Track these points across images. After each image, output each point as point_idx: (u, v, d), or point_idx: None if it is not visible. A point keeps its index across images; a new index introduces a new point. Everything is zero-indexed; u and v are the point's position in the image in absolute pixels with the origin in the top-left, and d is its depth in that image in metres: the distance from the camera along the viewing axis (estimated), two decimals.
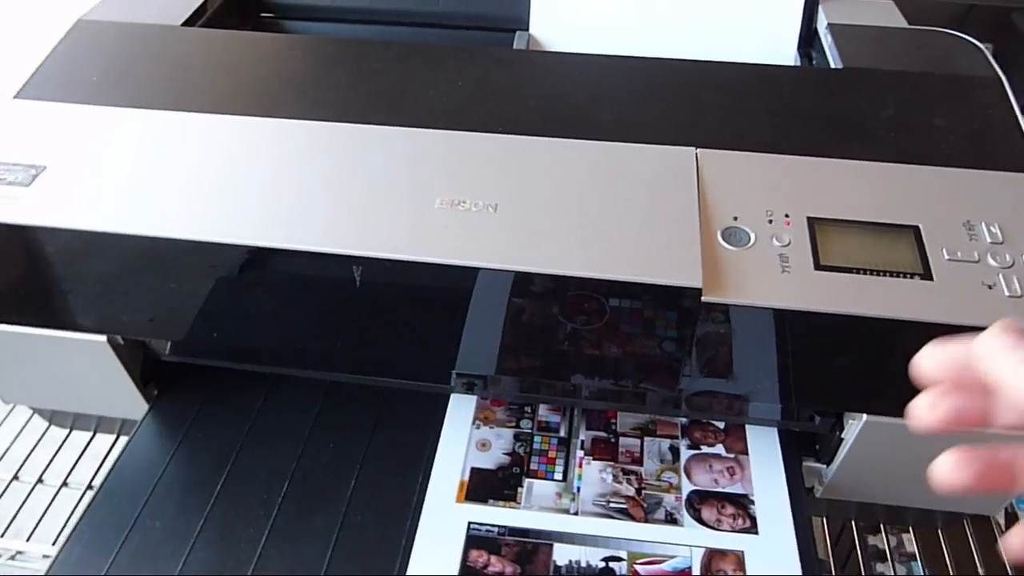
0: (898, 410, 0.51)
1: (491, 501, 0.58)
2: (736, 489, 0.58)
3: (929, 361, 0.32)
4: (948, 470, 0.29)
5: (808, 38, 0.76)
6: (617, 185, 0.53)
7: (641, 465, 0.60)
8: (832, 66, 0.69)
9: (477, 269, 0.48)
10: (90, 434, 0.74)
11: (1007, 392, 0.29)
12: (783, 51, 0.76)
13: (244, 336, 0.60)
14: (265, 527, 0.56)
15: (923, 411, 0.31)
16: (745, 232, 0.50)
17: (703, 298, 0.47)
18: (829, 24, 0.72)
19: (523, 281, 0.49)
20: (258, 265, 0.53)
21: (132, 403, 0.65)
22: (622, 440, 0.62)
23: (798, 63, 0.75)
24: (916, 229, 0.51)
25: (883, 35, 0.71)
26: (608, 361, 0.53)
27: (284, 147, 0.57)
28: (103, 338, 0.59)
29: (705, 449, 0.61)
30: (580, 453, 0.61)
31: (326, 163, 0.55)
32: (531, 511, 0.57)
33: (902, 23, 0.73)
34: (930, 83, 0.63)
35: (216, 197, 0.53)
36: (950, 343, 0.31)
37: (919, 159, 0.56)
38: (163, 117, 0.59)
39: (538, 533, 0.56)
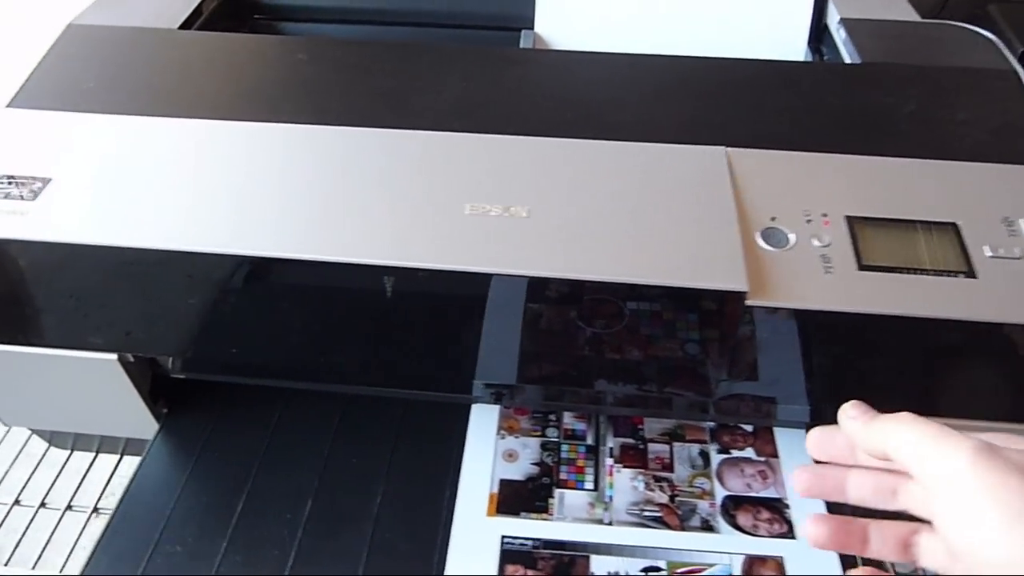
0: (937, 410, 0.52)
1: (523, 513, 0.56)
2: (770, 493, 0.57)
3: (812, 444, 0.40)
4: (810, 527, 0.38)
5: (818, 33, 0.75)
6: (650, 187, 0.52)
7: (672, 471, 0.59)
8: (847, 61, 0.68)
9: (517, 278, 0.47)
10: (92, 455, 0.72)
11: (862, 448, 0.37)
12: (793, 46, 0.75)
13: (261, 351, 0.58)
14: (291, 549, 0.54)
15: (795, 482, 0.40)
16: (784, 233, 0.49)
17: (748, 302, 0.46)
18: (842, 19, 0.71)
19: (562, 288, 0.47)
20: (280, 277, 0.51)
21: (140, 422, 0.63)
22: (651, 446, 0.60)
23: (808, 58, 0.75)
24: (955, 226, 0.50)
25: (896, 29, 0.70)
26: (649, 367, 0.52)
27: (299, 154, 0.55)
28: (113, 356, 0.56)
29: (735, 453, 0.60)
30: (609, 461, 0.60)
31: (345, 170, 0.54)
32: (564, 522, 0.56)
33: (914, 16, 0.73)
34: (951, 77, 0.63)
35: (231, 207, 0.51)
36: (829, 427, 0.39)
37: (948, 154, 0.55)
38: (171, 125, 0.57)
39: (574, 545, 0.54)
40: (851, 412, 0.38)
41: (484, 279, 0.47)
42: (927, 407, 0.51)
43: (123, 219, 0.50)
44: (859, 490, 0.39)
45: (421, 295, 0.50)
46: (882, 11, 0.73)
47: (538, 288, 0.47)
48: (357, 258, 0.47)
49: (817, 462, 0.41)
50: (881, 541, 0.38)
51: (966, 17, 1.06)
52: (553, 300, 0.48)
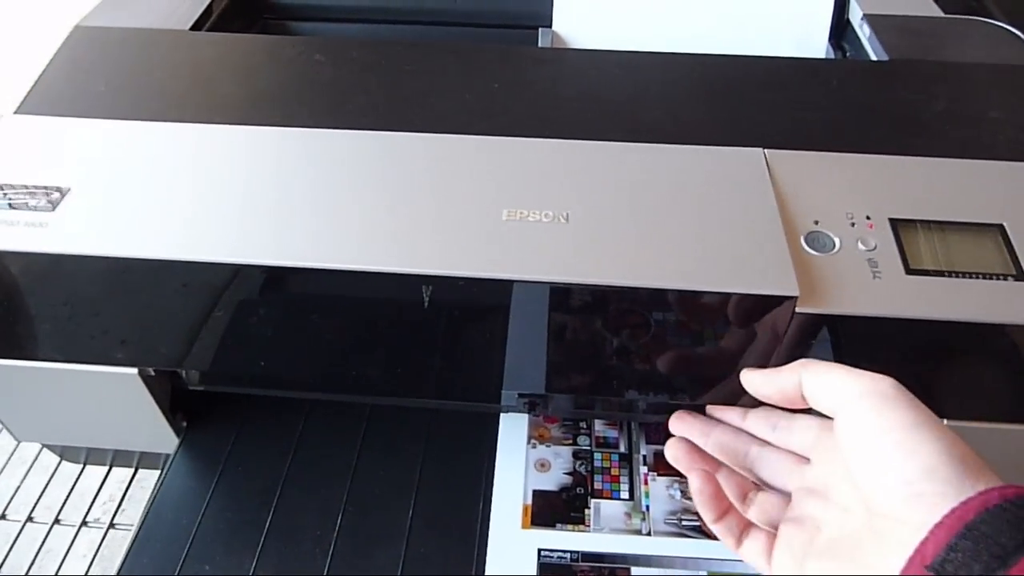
0: (979, 414, 0.51)
1: (559, 525, 0.55)
2: None
3: (673, 419, 0.49)
4: (668, 447, 0.47)
5: (839, 29, 0.74)
6: (689, 190, 0.50)
7: None
8: (873, 58, 0.67)
9: (561, 285, 0.45)
10: (105, 469, 0.70)
11: (771, 392, 0.43)
12: (814, 43, 0.74)
13: (284, 361, 0.56)
14: (323, 566, 0.53)
15: (671, 422, 0.49)
16: (829, 237, 0.48)
17: (798, 309, 0.45)
18: (865, 15, 0.70)
19: (602, 295, 0.46)
20: (307, 287, 0.50)
21: (159, 435, 0.61)
22: None
23: (830, 55, 0.74)
24: (1001, 227, 0.49)
25: (920, 25, 0.69)
26: (698, 376, 0.50)
27: (325, 160, 0.53)
28: (134, 370, 0.54)
29: None
30: (644, 469, 0.59)
31: (373, 176, 0.52)
32: (602, 534, 0.55)
33: (936, 12, 0.72)
34: (983, 74, 0.62)
35: (257, 216, 0.49)
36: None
37: (985, 153, 0.54)
38: (191, 131, 0.55)
39: (613, 557, 0.53)
40: (752, 369, 0.45)
41: (530, 287, 0.46)
42: (974, 412, 0.50)
43: (148, 230, 0.49)
44: (719, 439, 0.46)
45: (457, 304, 0.48)
46: (904, 6, 0.72)
47: (582, 295, 0.46)
48: (395, 268, 0.46)
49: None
50: (726, 483, 0.44)
51: (964, 8, 1.06)
52: (593, 307, 0.47)
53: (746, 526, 0.44)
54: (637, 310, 0.48)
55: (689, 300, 0.46)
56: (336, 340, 0.52)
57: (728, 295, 0.45)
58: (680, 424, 0.48)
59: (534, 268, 0.45)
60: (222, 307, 0.51)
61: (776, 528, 0.42)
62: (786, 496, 0.43)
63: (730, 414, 0.48)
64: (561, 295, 0.46)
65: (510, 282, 0.45)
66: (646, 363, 0.51)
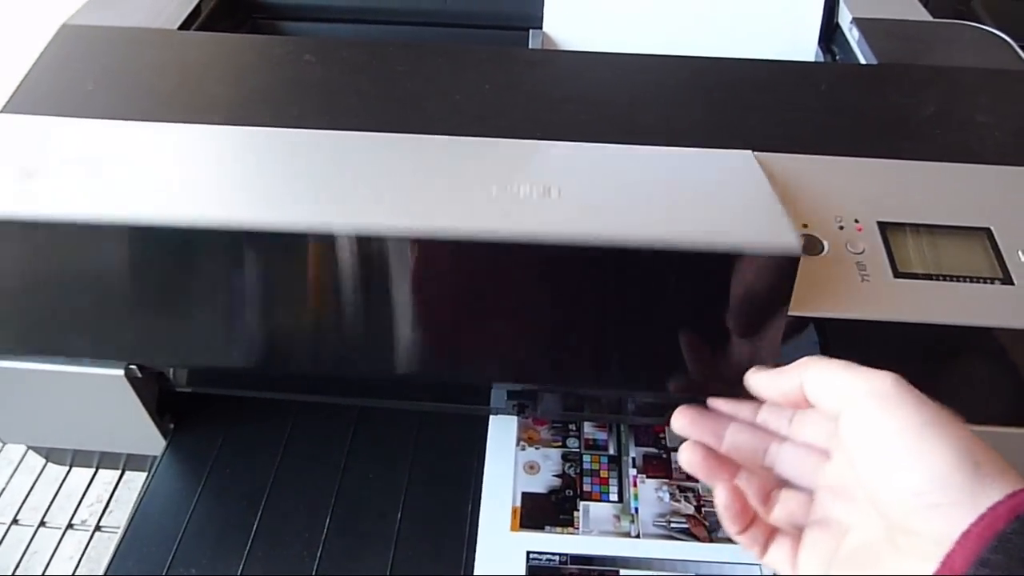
0: (966, 417, 0.51)
1: (548, 528, 0.55)
2: None
3: (680, 420, 0.45)
4: (684, 452, 0.43)
5: (829, 32, 0.74)
6: (683, 183, 0.50)
7: (697, 481, 0.57)
8: (862, 62, 0.68)
9: (547, 246, 0.44)
10: (92, 471, 0.69)
11: (775, 394, 0.41)
12: (803, 46, 0.74)
13: (271, 360, 0.55)
14: (312, 568, 0.53)
15: (674, 420, 0.45)
16: (818, 240, 0.48)
17: (788, 313, 0.45)
18: (854, 18, 0.70)
19: (601, 264, 0.45)
20: (293, 268, 0.48)
21: (146, 437, 0.61)
22: (674, 455, 0.60)
23: (820, 58, 0.74)
24: (988, 231, 0.49)
25: (909, 29, 0.69)
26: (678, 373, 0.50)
27: (313, 156, 0.52)
28: (119, 371, 0.54)
29: None
30: (633, 471, 0.59)
31: (358, 169, 0.51)
32: (591, 536, 0.55)
33: (925, 16, 0.72)
34: (971, 78, 0.62)
35: (242, 193, 0.48)
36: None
37: (973, 157, 0.54)
38: (179, 131, 0.55)
39: (602, 559, 0.53)
40: (755, 371, 0.43)
41: (521, 256, 0.45)
42: (961, 415, 0.50)
43: (126, 198, 0.47)
44: (735, 439, 0.43)
45: (440, 284, 0.47)
46: (893, 10, 0.72)
47: (575, 265, 0.45)
48: (374, 226, 0.44)
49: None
50: (747, 485, 0.41)
51: (951, 11, 1.07)
52: (588, 282, 0.46)
53: (770, 533, 0.41)
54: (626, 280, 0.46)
55: (686, 272, 0.45)
56: (326, 342, 0.52)
57: (727, 258, 0.44)
58: (687, 424, 0.44)
59: (526, 229, 0.44)
60: (209, 298, 0.49)
61: (800, 530, 0.40)
62: (810, 494, 0.41)
63: (742, 409, 0.45)
64: (555, 268, 0.45)
65: (500, 247, 0.44)
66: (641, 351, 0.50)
